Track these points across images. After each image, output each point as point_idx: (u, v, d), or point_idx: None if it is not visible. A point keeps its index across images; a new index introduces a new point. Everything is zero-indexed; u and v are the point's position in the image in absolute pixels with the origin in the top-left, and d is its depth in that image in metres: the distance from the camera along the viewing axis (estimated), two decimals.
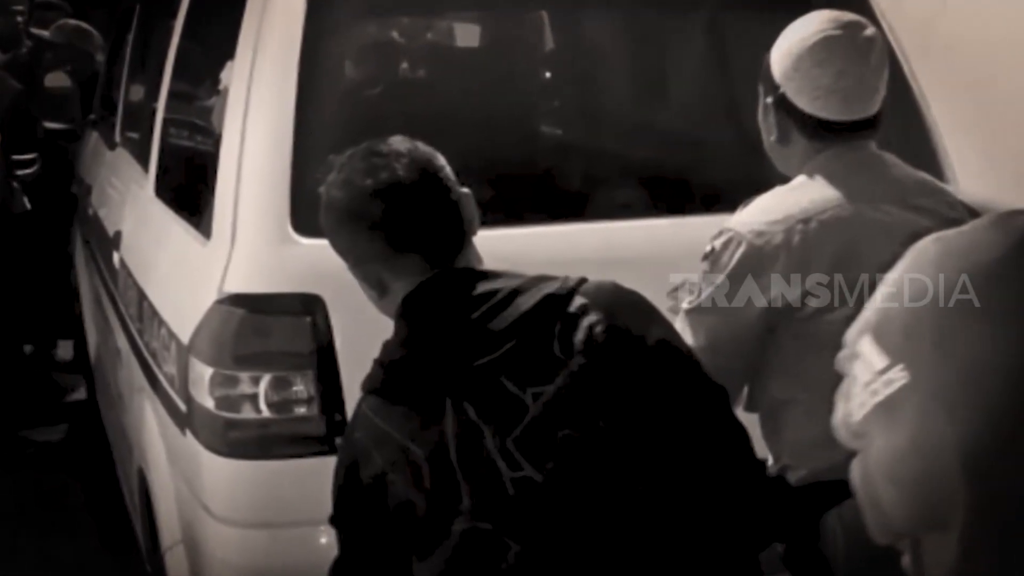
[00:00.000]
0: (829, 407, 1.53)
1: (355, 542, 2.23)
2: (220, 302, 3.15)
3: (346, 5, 3.65)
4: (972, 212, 2.57)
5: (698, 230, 2.74)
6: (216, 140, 3.45)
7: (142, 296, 3.90)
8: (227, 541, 3.17)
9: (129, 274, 4.17)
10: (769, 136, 2.70)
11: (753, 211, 2.61)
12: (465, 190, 2.23)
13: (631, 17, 3.85)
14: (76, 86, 6.69)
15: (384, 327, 2.19)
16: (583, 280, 2.18)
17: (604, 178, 3.65)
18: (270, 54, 3.34)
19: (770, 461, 2.67)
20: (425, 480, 2.10)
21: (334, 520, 2.25)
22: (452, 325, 2.12)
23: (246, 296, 3.14)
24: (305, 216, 3.05)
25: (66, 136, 6.59)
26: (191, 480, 3.27)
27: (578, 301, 2.14)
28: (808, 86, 2.60)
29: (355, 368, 2.44)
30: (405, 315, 2.16)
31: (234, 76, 3.41)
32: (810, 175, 2.63)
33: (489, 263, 2.22)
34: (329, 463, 2.28)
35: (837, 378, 1.63)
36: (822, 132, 2.62)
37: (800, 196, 2.60)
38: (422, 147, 2.21)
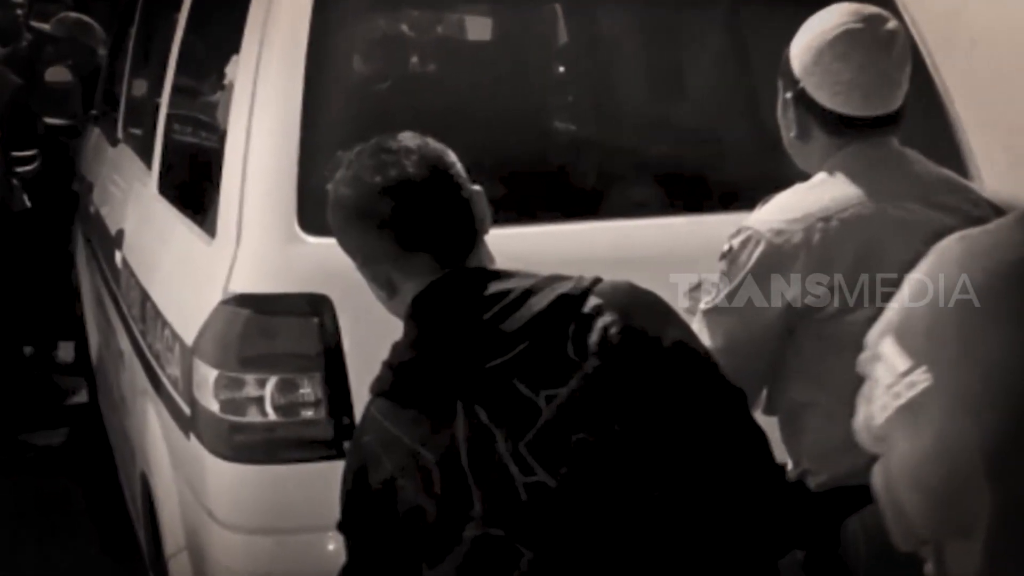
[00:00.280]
0: (850, 410, 1.52)
1: (363, 549, 2.22)
2: (225, 302, 3.13)
3: None
4: (997, 210, 2.56)
5: (715, 229, 2.73)
6: (221, 136, 3.45)
7: (145, 296, 3.89)
8: (232, 547, 3.15)
9: (132, 274, 4.16)
10: (789, 132, 2.69)
11: (772, 209, 2.59)
12: (476, 188, 2.21)
13: (647, 10, 3.85)
14: (77, 81, 6.70)
15: (393, 328, 2.18)
16: (598, 280, 2.16)
17: (619, 175, 3.64)
18: (276, 48, 3.33)
19: (789, 466, 2.66)
20: (435, 485, 2.08)
21: (342, 526, 2.23)
22: (463, 326, 2.10)
23: (252, 296, 3.12)
24: (312, 214, 3.03)
25: (67, 132, 6.59)
26: (195, 485, 3.26)
27: (592, 301, 2.12)
28: (829, 81, 2.59)
29: (363, 370, 2.45)
30: (415, 316, 2.14)
31: (239, 70, 3.41)
32: (830, 172, 2.61)
33: (501, 262, 2.20)
34: (337, 467, 2.26)
35: (858, 380, 1.61)
36: (843, 128, 2.60)
37: (820, 194, 2.58)
38: (432, 143, 2.19)
